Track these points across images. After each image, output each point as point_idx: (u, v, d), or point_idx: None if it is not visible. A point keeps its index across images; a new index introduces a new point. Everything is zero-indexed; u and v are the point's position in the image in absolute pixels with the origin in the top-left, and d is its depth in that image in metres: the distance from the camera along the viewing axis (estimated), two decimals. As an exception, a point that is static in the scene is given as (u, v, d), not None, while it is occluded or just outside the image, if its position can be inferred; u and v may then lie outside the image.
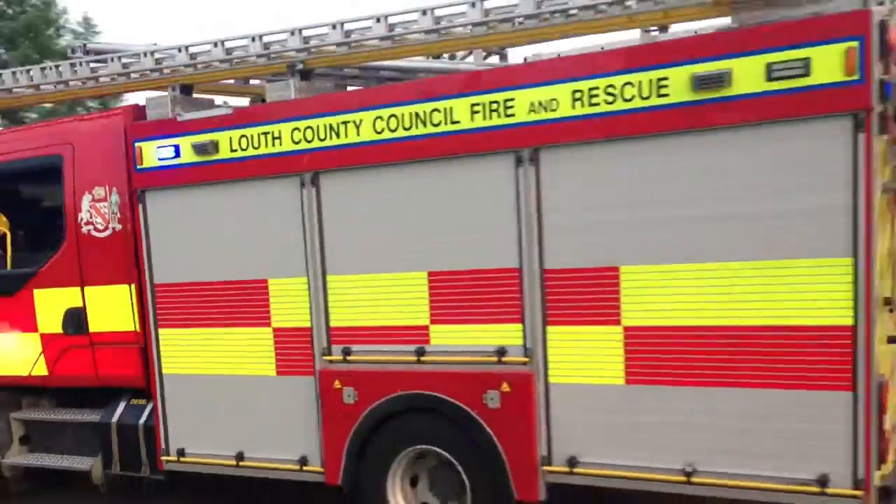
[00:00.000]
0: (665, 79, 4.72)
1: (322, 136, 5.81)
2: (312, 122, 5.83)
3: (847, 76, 4.31)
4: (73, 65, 7.17)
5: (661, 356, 4.97)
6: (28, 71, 7.54)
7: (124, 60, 6.90)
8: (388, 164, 5.62)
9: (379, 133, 5.60)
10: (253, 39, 6.32)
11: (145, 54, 6.76)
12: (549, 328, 5.25)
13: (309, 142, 5.86)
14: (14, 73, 7.61)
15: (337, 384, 5.92)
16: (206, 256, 6.43)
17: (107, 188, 6.88)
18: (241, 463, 6.43)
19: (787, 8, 4.54)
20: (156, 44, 7.01)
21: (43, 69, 7.46)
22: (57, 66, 7.32)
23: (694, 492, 4.94)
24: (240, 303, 6.31)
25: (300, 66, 6.14)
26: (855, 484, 4.51)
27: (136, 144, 6.56)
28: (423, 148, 5.48)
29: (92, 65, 7.12)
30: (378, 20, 5.82)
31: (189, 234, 6.48)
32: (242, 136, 6.10)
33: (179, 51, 6.61)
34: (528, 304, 5.29)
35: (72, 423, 7.46)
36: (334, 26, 5.96)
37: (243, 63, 6.42)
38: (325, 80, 6.53)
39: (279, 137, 5.96)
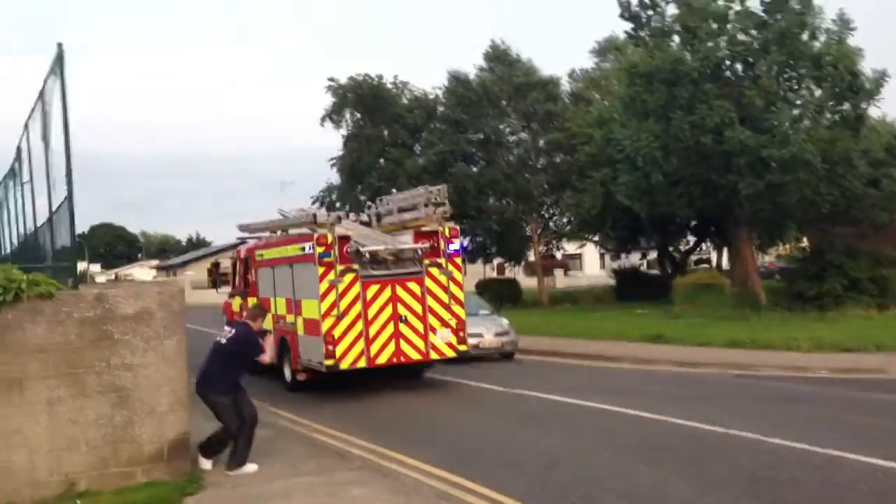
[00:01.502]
0: (301, 247, 16.86)
1: (270, 255, 18.91)
2: (266, 251, 19.00)
3: (318, 251, 16.10)
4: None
5: (306, 328, 17.00)
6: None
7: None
8: (283, 265, 18.44)
9: (270, 258, 18.53)
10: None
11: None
12: (298, 317, 17.56)
13: (266, 257, 19.01)
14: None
15: (275, 331, 18.80)
16: (264, 288, 19.84)
17: (253, 267, 20.71)
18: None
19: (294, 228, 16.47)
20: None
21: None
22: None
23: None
24: (268, 306, 19.56)
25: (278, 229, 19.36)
26: (322, 364, 16.14)
27: (254, 251, 20.36)
28: (275, 261, 18.30)
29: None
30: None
31: (263, 281, 19.96)
32: (266, 251, 19.46)
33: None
34: (295, 309, 17.68)
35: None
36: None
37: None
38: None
39: (264, 253, 19.22)
